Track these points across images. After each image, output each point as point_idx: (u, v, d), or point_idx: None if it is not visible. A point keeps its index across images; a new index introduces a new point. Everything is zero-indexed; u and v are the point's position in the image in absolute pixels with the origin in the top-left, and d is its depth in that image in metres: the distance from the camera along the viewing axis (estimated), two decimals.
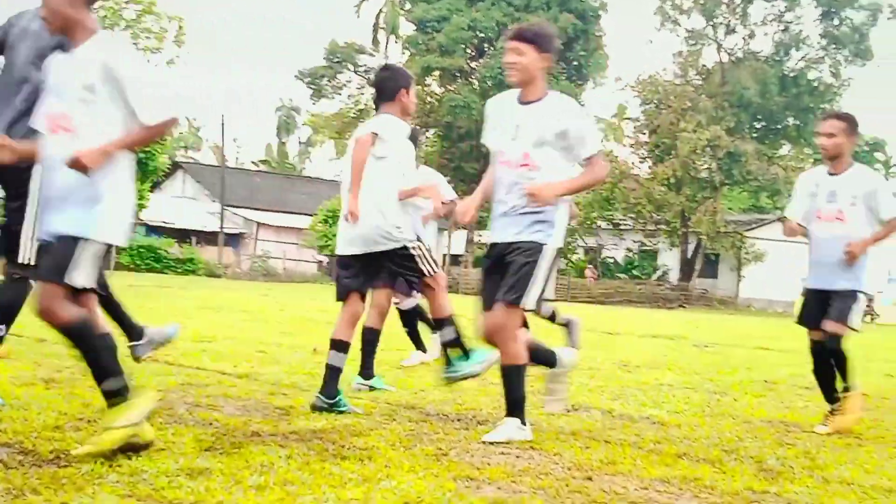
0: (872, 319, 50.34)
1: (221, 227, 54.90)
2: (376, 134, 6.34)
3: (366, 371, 7.44)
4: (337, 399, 6.07)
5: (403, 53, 62.50)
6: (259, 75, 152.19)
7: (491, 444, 5.26)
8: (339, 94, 64.92)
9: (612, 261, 61.79)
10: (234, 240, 58.87)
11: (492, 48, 56.45)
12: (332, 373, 6.17)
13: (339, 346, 6.33)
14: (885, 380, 11.28)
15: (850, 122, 6.70)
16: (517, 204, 5.48)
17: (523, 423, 5.50)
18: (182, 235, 53.85)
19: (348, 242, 6.52)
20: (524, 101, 5.60)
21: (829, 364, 6.74)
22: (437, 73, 58.82)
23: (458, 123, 55.78)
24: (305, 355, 9.55)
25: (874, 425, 7.07)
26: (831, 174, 6.72)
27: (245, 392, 6.71)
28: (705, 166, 54.57)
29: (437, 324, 6.65)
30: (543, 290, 5.52)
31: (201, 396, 6.33)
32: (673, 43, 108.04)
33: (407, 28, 62.59)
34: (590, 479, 4.56)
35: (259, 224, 60.19)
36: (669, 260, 59.89)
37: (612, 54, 69.90)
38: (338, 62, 63.16)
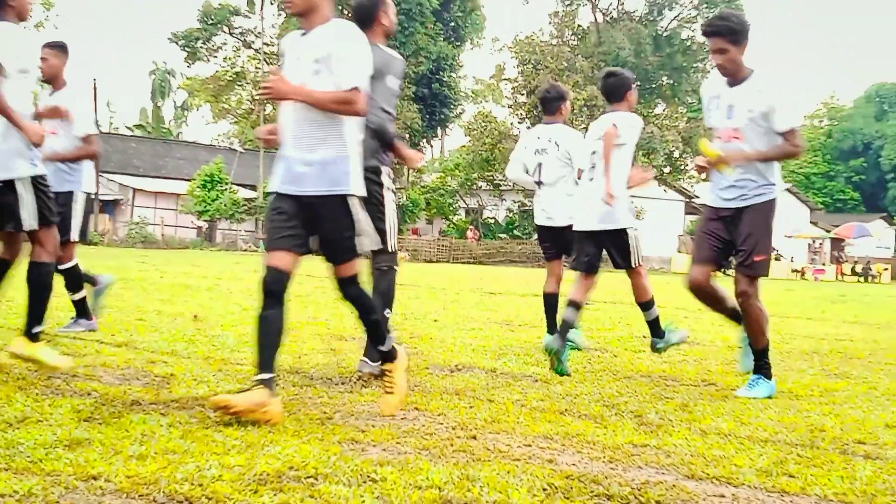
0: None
1: (97, 194, 53.72)
2: (616, 126, 7.43)
3: (551, 330, 8.30)
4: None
5: (279, 15, 61.74)
6: (132, 38, 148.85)
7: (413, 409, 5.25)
8: (215, 57, 64.02)
9: (492, 221, 62.19)
10: (109, 206, 57.73)
11: None
12: (565, 326, 7.15)
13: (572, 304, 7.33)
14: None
15: (733, 31, 6.34)
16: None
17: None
18: None
19: (580, 220, 7.62)
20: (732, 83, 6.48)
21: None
22: None
23: None
24: (185, 322, 9.42)
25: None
26: (731, 84, 6.47)
27: (124, 361, 6.59)
28: (583, 126, 55.07)
29: (641, 306, 7.75)
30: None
31: (79, 366, 6.20)
32: (549, 3, 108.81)
33: None
34: (474, 437, 4.59)
35: (135, 190, 59.14)
36: None
37: (488, 15, 70.07)
38: (213, 24, 62.09)
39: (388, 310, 6.36)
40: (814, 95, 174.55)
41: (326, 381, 6.21)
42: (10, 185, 5.78)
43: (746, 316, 6.47)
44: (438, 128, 65.17)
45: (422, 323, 10.64)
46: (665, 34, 60.00)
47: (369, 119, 5.78)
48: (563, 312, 7.36)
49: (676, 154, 58.01)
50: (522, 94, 58.77)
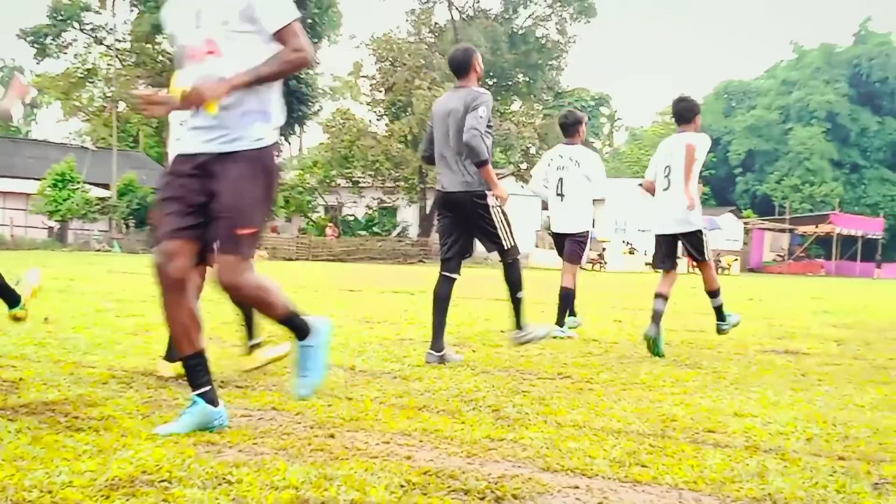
0: (602, 268, 52.67)
1: None
2: (695, 146, 8.63)
3: (560, 321, 10.26)
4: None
5: (132, 11, 60.46)
6: None
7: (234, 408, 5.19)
8: (65, 53, 62.32)
9: (352, 218, 62.08)
10: None
11: None
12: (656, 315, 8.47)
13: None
14: (614, 325, 11.82)
15: None
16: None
17: None
18: None
19: (660, 225, 8.95)
20: None
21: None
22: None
23: None
24: (36, 325, 9.14)
25: (604, 369, 7.39)
26: None
27: None
28: None
29: (710, 294, 8.99)
30: None
31: None
32: (406, 1, 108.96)
33: None
34: (332, 436, 4.57)
35: None
36: (409, 216, 60.74)
37: (345, 12, 69.81)
38: (63, 20, 60.43)
39: (521, 291, 7.79)
40: (665, 93, 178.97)
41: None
42: None
43: (254, 308, 5.71)
44: (296, 125, 64.64)
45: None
46: (520, 32, 60.80)
47: (467, 141, 7.36)
48: (654, 304, 8.56)
49: (533, 150, 58.81)
50: (380, 91, 58.79)
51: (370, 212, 61.19)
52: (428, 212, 58.55)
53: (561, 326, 10.06)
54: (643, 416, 5.37)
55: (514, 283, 7.78)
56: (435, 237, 56.78)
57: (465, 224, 7.84)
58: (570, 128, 10.57)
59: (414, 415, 5.19)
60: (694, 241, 8.83)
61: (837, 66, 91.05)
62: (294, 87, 56.97)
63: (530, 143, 57.46)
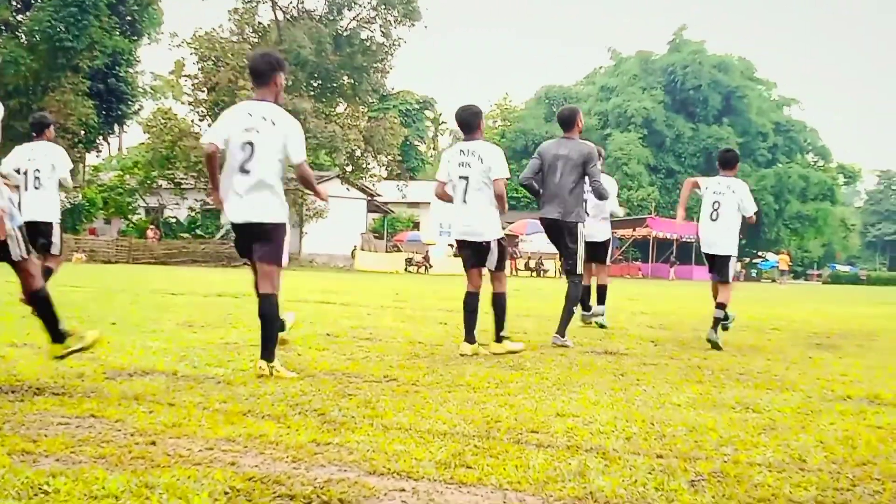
0: (427, 270, 53.08)
1: None
2: (735, 191, 10.82)
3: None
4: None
5: None
6: None
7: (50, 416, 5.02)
8: None
9: (174, 220, 60.91)
10: None
11: (38, 0, 53.52)
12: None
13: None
14: (439, 328, 11.90)
15: None
16: None
17: None
18: None
19: (709, 245, 10.98)
20: None
21: None
22: None
23: (5, 80, 52.44)
24: None
25: (429, 372, 7.43)
26: None
27: None
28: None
29: (718, 306, 10.73)
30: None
31: None
32: None
33: None
34: (153, 443, 4.47)
35: None
36: None
37: (166, 9, 68.52)
38: None
39: (574, 306, 10.37)
40: (488, 96, 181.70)
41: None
42: None
43: None
44: (115, 124, 63.14)
45: (99, 326, 10.26)
46: (345, 34, 60.66)
47: (596, 188, 10.29)
48: (714, 312, 10.57)
49: (359, 153, 58.82)
50: (203, 91, 57.80)
51: (193, 214, 60.13)
52: None
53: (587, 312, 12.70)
54: (468, 417, 5.42)
55: (571, 298, 10.24)
56: None
57: (559, 242, 10.31)
58: (468, 125, 9.26)
59: (238, 420, 5.12)
60: (725, 262, 10.94)
61: (653, 74, 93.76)
62: (113, 85, 55.63)
63: (356, 146, 57.42)
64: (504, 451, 4.57)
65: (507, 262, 9.52)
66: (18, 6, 56.29)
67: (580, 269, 10.35)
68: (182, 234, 58.42)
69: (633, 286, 40.66)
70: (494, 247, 9.06)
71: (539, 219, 10.45)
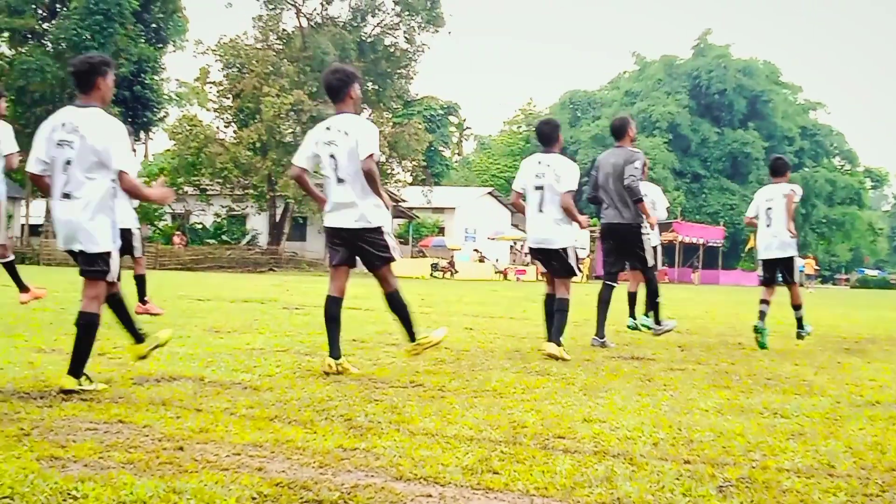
0: (452, 275, 53.07)
1: None
2: (794, 192, 11.59)
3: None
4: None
5: None
6: None
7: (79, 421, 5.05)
8: None
9: (200, 226, 61.14)
10: None
11: (65, 8, 53.80)
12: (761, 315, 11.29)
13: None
14: (465, 333, 11.89)
15: None
16: None
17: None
18: None
19: (764, 251, 11.70)
20: None
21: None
22: (6, 34, 55.28)
23: (31, 87, 52.71)
24: None
25: (455, 377, 7.43)
26: None
27: None
28: (290, 130, 54.84)
29: (795, 307, 11.87)
30: None
31: None
32: (253, 7, 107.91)
33: None
34: (181, 448, 4.49)
35: None
36: (258, 224, 60.16)
37: (191, 17, 68.74)
38: None
39: (659, 297, 11.21)
40: (512, 102, 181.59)
41: (24, 395, 5.91)
42: None
43: None
44: (142, 131, 63.36)
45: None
46: (369, 40, 60.76)
47: (628, 185, 10.43)
48: (759, 307, 11.39)
49: (383, 158, 58.82)
50: (228, 98, 57.99)
51: (219, 220, 60.34)
52: (278, 220, 58.10)
53: (634, 319, 13.08)
54: (494, 423, 5.42)
55: (653, 291, 11.16)
56: (285, 245, 56.48)
57: (621, 247, 10.93)
58: (548, 136, 9.85)
59: (265, 425, 5.13)
60: (789, 265, 11.67)
61: (678, 78, 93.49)
62: (138, 92, 55.86)
63: (380, 152, 57.46)
64: (531, 456, 4.56)
65: (577, 269, 9.77)
66: (44, 14, 56.56)
67: (651, 262, 10.95)
68: (208, 241, 58.64)
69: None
70: (572, 253, 9.63)
71: (601, 225, 11.12)
